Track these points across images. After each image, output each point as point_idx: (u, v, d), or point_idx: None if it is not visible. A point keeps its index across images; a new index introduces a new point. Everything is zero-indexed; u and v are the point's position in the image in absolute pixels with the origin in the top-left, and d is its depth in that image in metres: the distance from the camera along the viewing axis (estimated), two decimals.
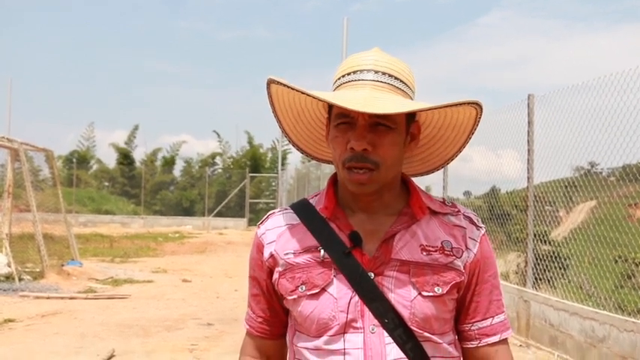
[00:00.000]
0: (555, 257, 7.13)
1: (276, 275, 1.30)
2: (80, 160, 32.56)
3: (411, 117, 1.27)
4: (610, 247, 6.56)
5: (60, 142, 62.12)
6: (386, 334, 1.21)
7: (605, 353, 5.36)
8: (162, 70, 58.07)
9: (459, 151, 1.36)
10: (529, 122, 7.05)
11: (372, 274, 1.23)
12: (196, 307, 8.54)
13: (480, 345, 1.31)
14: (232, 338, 6.50)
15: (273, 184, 32.21)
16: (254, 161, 32.63)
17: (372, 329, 1.21)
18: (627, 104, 5.50)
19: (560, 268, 7.08)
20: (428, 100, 1.23)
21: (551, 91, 6.91)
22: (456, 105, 1.21)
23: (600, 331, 5.45)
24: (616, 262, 7.82)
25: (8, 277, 10.00)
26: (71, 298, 9.05)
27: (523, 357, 6.14)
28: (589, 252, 7.18)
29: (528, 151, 7.08)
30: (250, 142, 33.99)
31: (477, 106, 1.22)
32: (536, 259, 7.09)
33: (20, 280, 10.00)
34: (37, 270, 10.79)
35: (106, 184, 33.56)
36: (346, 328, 1.22)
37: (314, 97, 1.22)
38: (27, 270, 10.87)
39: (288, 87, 1.25)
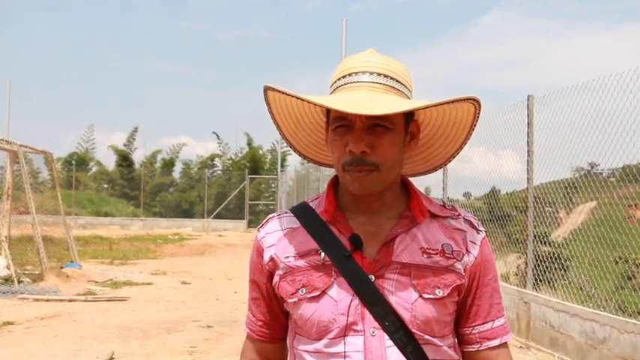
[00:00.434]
0: (555, 258, 7.13)
1: (276, 278, 1.30)
2: (79, 162, 32.58)
3: (409, 116, 1.26)
4: (610, 248, 6.56)
5: (59, 142, 62.23)
6: (386, 336, 1.20)
7: (605, 355, 5.35)
8: (162, 70, 58.26)
9: (461, 148, 1.35)
10: (529, 123, 7.05)
11: (373, 277, 1.22)
12: (196, 310, 8.53)
13: (480, 349, 1.31)
14: (232, 340, 6.49)
15: (273, 185, 32.23)
16: (253, 163, 32.66)
17: (373, 332, 1.20)
18: (627, 105, 5.50)
19: (560, 270, 7.08)
20: (427, 100, 1.23)
21: (550, 91, 6.92)
22: (451, 102, 1.21)
23: (601, 332, 5.44)
24: (616, 263, 7.82)
25: (7, 280, 9.99)
26: (70, 301, 9.04)
27: (523, 359, 6.13)
28: (589, 253, 7.18)
29: (528, 152, 7.07)
30: (250, 144, 34.04)
31: (475, 102, 1.22)
32: (537, 261, 7.08)
33: (19, 282, 9.98)
34: (37, 272, 10.78)
35: (105, 186, 33.60)
36: (346, 330, 1.21)
37: (308, 102, 1.22)
38: (26, 272, 10.86)
39: (284, 93, 1.24)
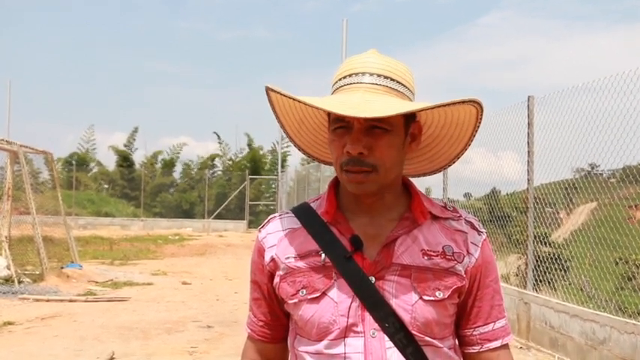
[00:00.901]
0: (556, 259, 7.13)
1: (277, 279, 1.30)
2: (80, 162, 32.56)
3: (409, 118, 1.26)
4: (610, 249, 6.56)
5: (60, 142, 62.19)
6: (386, 338, 1.20)
7: (605, 355, 5.35)
8: (162, 70, 58.24)
9: (465, 149, 1.35)
10: (529, 124, 7.05)
11: (373, 279, 1.22)
12: (196, 310, 8.53)
13: (481, 350, 1.31)
14: (232, 341, 6.49)
15: (273, 186, 32.22)
16: (254, 163, 32.64)
17: (373, 333, 1.20)
18: (627, 105, 5.50)
19: (560, 270, 7.08)
20: (428, 100, 1.23)
21: (551, 92, 6.92)
22: (448, 104, 1.20)
23: (601, 333, 5.44)
24: (617, 263, 7.82)
25: (8, 280, 9.99)
26: (71, 301, 9.04)
27: (524, 359, 6.13)
28: (589, 254, 7.18)
29: (528, 152, 7.07)
30: (250, 145, 34.03)
31: (475, 104, 1.21)
32: (537, 261, 7.08)
33: (20, 282, 9.98)
34: (37, 272, 10.78)
35: (106, 186, 33.57)
36: (347, 332, 1.21)
37: (304, 103, 1.22)
38: (26, 273, 10.86)
39: (281, 94, 1.25)
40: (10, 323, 7.36)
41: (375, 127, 1.19)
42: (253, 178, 31.36)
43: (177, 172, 34.19)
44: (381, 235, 1.26)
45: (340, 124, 1.22)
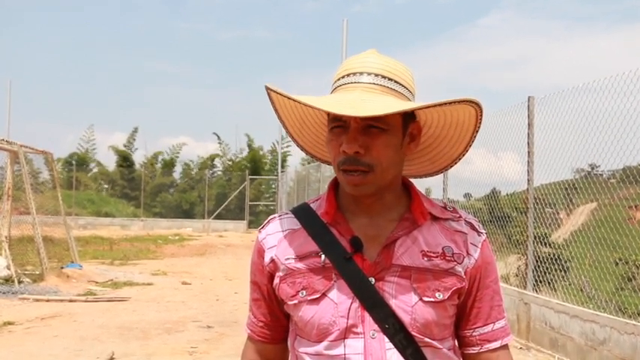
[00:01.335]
0: (556, 259, 7.13)
1: (276, 280, 1.30)
2: (80, 162, 32.56)
3: (408, 118, 1.25)
4: (611, 250, 6.56)
5: (59, 142, 62.17)
6: (386, 339, 1.20)
7: (605, 356, 5.35)
8: (162, 70, 58.23)
9: (466, 149, 1.34)
10: (529, 124, 7.05)
11: (373, 280, 1.22)
12: (196, 310, 8.53)
13: (481, 351, 1.30)
14: (232, 341, 6.49)
15: (273, 186, 32.21)
16: (254, 163, 32.63)
17: (373, 334, 1.20)
18: (628, 106, 5.50)
19: (560, 271, 7.08)
20: (428, 100, 1.22)
21: (551, 92, 6.92)
22: (445, 104, 1.19)
23: (601, 333, 5.44)
24: (617, 264, 7.82)
25: (8, 280, 9.99)
26: (71, 301, 9.04)
27: None
28: (589, 254, 7.18)
29: (528, 153, 7.07)
30: (250, 145, 34.02)
31: (473, 104, 1.21)
32: (537, 262, 7.08)
33: (20, 282, 9.98)
34: (37, 272, 10.78)
35: (106, 186, 33.57)
36: (346, 333, 1.21)
37: (300, 103, 1.22)
38: (26, 273, 10.86)
39: (279, 94, 1.25)
40: (10, 323, 7.36)
41: (372, 126, 1.19)
42: (253, 179, 31.36)
43: (177, 173, 34.23)
44: (380, 236, 1.25)
45: (337, 124, 1.22)
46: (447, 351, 1.26)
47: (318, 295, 1.23)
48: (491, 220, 8.47)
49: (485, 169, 8.72)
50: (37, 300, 9.02)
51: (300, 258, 1.27)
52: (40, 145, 12.76)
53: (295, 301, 1.26)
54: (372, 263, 1.23)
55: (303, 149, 1.45)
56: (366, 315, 1.20)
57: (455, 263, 1.25)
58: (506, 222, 8.46)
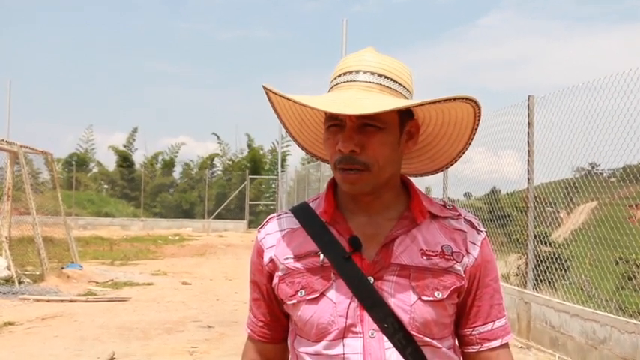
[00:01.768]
0: (556, 258, 7.13)
1: (275, 280, 1.30)
2: (80, 162, 32.56)
3: (405, 116, 1.25)
4: (611, 249, 6.56)
5: (59, 143, 62.19)
6: (385, 338, 1.20)
7: (606, 355, 5.35)
8: (162, 70, 58.22)
9: (465, 148, 1.34)
10: (529, 123, 7.05)
11: (372, 279, 1.22)
12: (196, 310, 8.53)
13: (481, 349, 1.30)
14: (232, 340, 6.49)
15: (273, 186, 32.21)
16: (254, 163, 32.63)
17: (372, 334, 1.20)
18: (628, 105, 5.50)
19: (560, 270, 7.08)
20: (427, 99, 1.21)
21: (551, 91, 6.92)
22: (441, 101, 1.18)
23: (601, 332, 5.44)
24: (617, 263, 7.82)
25: (8, 280, 9.99)
26: (71, 301, 9.04)
27: (524, 359, 6.13)
28: (590, 253, 7.18)
29: (528, 152, 7.07)
30: (250, 145, 34.01)
31: (470, 101, 1.20)
32: (537, 261, 7.08)
33: (20, 282, 9.99)
34: (37, 273, 10.78)
35: (106, 186, 33.58)
36: (345, 332, 1.21)
37: (295, 102, 1.21)
38: (27, 273, 10.86)
39: (274, 93, 1.25)
40: (10, 323, 7.36)
41: (368, 125, 1.19)
42: (253, 178, 31.35)
43: (177, 173, 34.23)
44: (379, 235, 1.25)
45: (334, 123, 1.21)
46: (446, 350, 1.26)
47: (316, 295, 1.23)
48: (491, 219, 8.47)
49: (486, 168, 8.72)
50: (38, 300, 9.02)
51: (299, 257, 1.26)
52: (40, 145, 12.79)
53: (294, 301, 1.25)
54: (371, 262, 1.22)
55: (303, 148, 1.45)
56: (365, 314, 1.20)
57: (454, 262, 1.25)
58: (507, 221, 8.46)
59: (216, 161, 34.55)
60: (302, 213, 1.33)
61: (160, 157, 34.21)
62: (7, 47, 53.84)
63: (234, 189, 30.71)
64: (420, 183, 1.44)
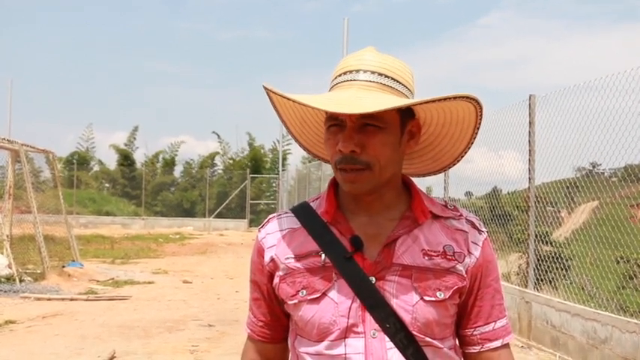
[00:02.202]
0: (557, 258, 7.12)
1: (276, 279, 1.29)
2: (81, 161, 32.59)
3: (406, 115, 1.24)
4: (612, 248, 6.55)
5: (60, 142, 62.29)
6: (387, 338, 1.19)
7: (607, 354, 5.34)
8: (162, 70, 58.19)
9: (468, 147, 1.33)
10: (530, 123, 7.05)
11: (374, 279, 1.21)
12: (197, 309, 8.53)
13: (482, 350, 1.30)
14: (233, 339, 6.49)
15: (274, 185, 32.21)
16: (254, 162, 32.62)
17: (373, 334, 1.19)
18: (629, 104, 5.49)
19: (561, 269, 7.07)
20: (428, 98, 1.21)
21: (551, 91, 6.91)
22: (440, 100, 1.17)
23: (602, 332, 5.43)
24: (618, 262, 7.81)
25: (9, 279, 10.00)
26: (72, 300, 9.05)
27: (525, 358, 6.12)
28: (591, 253, 7.17)
29: (529, 151, 7.07)
30: (251, 144, 34.01)
31: (471, 100, 1.20)
32: (538, 260, 7.08)
33: (21, 281, 10.00)
34: (38, 271, 10.79)
35: (107, 185, 33.59)
36: (347, 332, 1.20)
37: (295, 101, 1.20)
38: (28, 271, 10.88)
39: (274, 93, 1.24)
40: (11, 322, 7.36)
41: (369, 124, 1.18)
42: (254, 177, 31.35)
43: (178, 171, 34.24)
44: (381, 235, 1.24)
45: (334, 122, 1.21)
46: (447, 350, 1.25)
47: (318, 295, 1.22)
48: (492, 218, 8.46)
49: (487, 167, 8.73)
50: (39, 299, 9.03)
51: (300, 257, 1.26)
52: (41, 144, 12.74)
53: (295, 301, 1.25)
54: (373, 262, 1.22)
55: (304, 148, 1.44)
56: (367, 314, 1.20)
57: (456, 262, 1.24)
58: (508, 220, 8.46)
59: (217, 160, 34.58)
60: (303, 213, 1.32)
61: (161, 156, 34.23)
62: (8, 47, 53.88)
63: (235, 188, 30.71)
64: (420, 182, 1.44)
